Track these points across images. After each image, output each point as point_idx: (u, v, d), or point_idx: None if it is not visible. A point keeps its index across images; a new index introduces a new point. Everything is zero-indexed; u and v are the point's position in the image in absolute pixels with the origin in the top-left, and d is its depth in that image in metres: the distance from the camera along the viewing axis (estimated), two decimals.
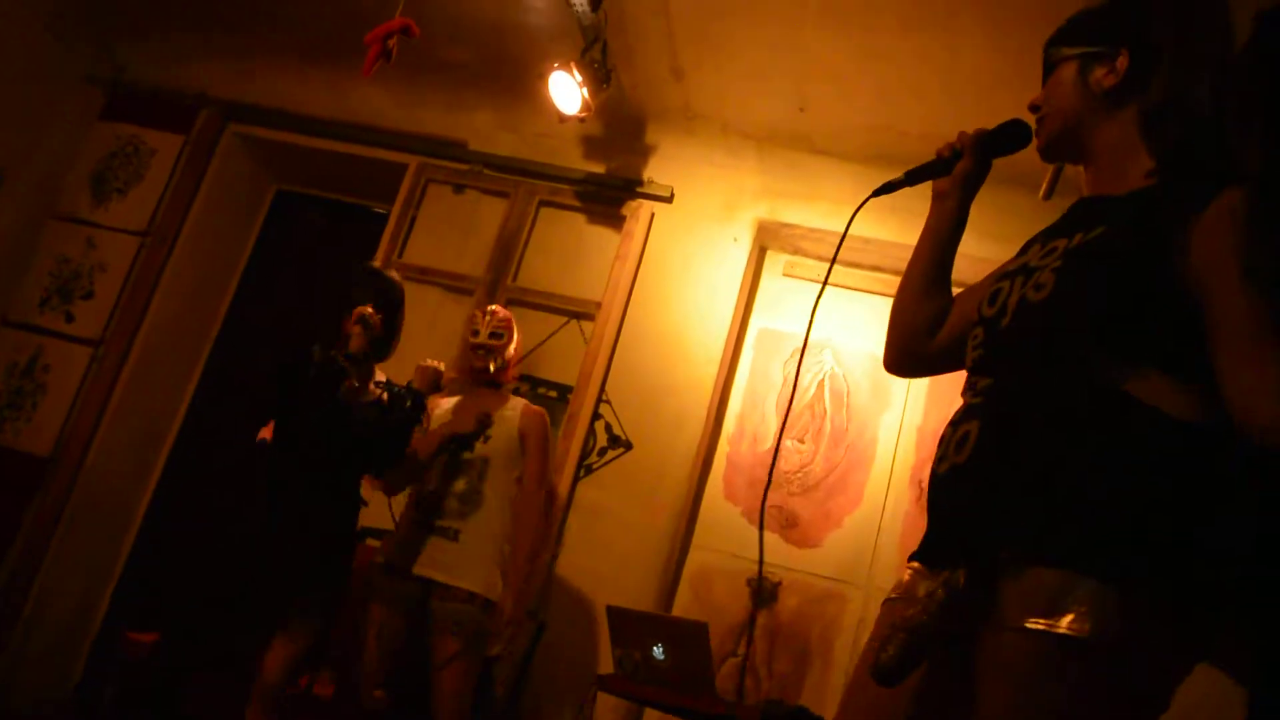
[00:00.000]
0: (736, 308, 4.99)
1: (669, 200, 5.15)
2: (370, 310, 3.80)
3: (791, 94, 4.75)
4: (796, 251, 5.21)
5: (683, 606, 4.74)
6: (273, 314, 5.88)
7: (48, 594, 5.19)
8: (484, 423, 3.97)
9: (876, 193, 2.01)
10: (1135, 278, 1.58)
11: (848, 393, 4.93)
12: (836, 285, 5.10)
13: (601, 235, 5.23)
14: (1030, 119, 2.00)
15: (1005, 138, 1.98)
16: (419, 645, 3.84)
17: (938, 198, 1.99)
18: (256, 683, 3.58)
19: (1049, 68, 1.93)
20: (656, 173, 5.21)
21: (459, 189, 5.46)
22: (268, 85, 5.76)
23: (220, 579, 3.85)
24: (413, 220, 5.45)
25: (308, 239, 6.14)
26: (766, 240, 5.20)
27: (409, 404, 3.83)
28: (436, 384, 3.99)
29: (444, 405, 4.16)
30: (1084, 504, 1.51)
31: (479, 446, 3.97)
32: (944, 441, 1.76)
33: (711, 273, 5.02)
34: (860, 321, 5.03)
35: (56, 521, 5.22)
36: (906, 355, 2.04)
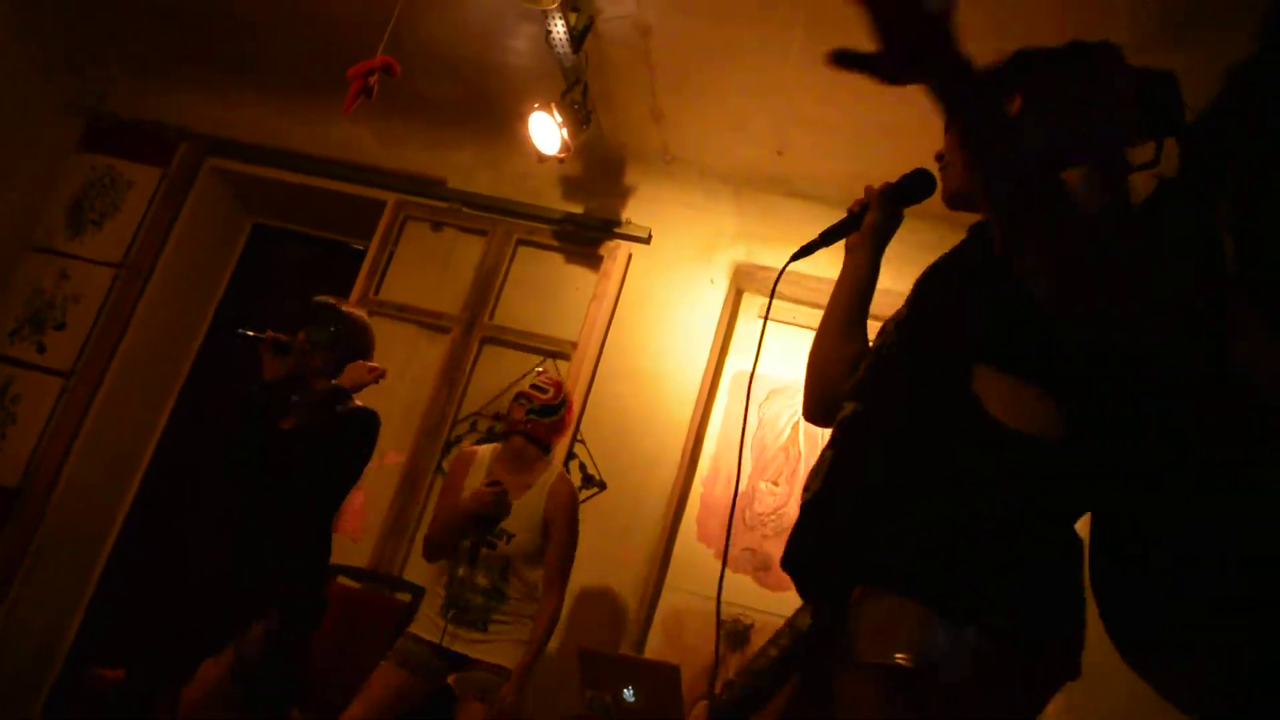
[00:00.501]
0: (713, 349, 5.01)
1: (647, 241, 5.17)
2: (273, 335, 3.81)
3: (769, 138, 4.79)
4: (775, 295, 5.21)
5: (655, 648, 4.72)
6: (247, 349, 5.85)
7: (12, 627, 5.12)
8: (501, 508, 3.91)
9: (794, 257, 2.06)
10: (966, 278, 1.66)
11: (822, 435, 4.93)
12: (813, 328, 5.11)
13: (579, 275, 5.24)
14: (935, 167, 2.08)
15: (910, 188, 2.06)
16: (423, 706, 3.83)
17: (850, 251, 2.04)
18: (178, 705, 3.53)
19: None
20: (635, 214, 5.23)
21: (437, 226, 5.46)
22: (247, 119, 5.76)
23: (180, 614, 3.81)
24: (390, 257, 5.45)
25: (284, 274, 6.13)
26: (743, 282, 5.22)
27: (328, 413, 3.77)
28: (361, 384, 3.90)
29: (480, 457, 4.16)
30: (918, 529, 1.49)
31: (500, 546, 3.90)
32: (812, 470, 1.75)
33: (688, 314, 5.04)
34: None
35: (23, 554, 5.16)
36: (824, 405, 2.01)
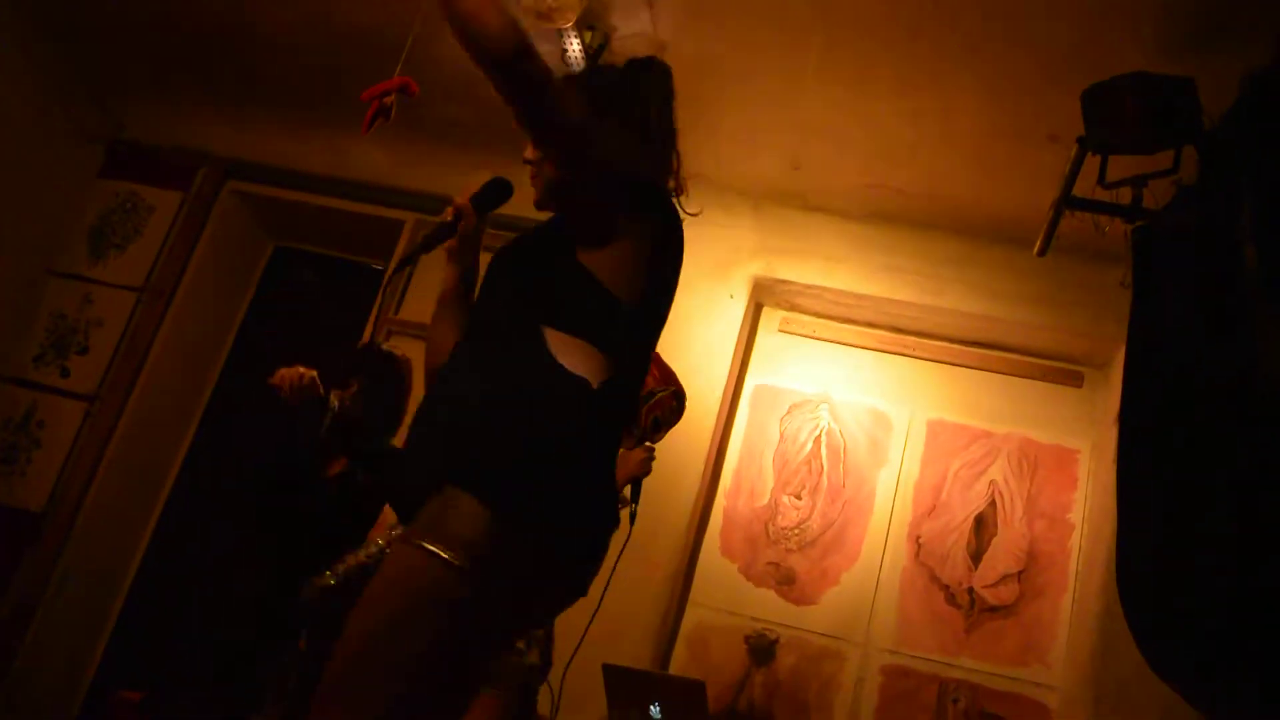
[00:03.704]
0: (733, 363, 5.00)
1: (499, 205, 5.14)
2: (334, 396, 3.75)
3: (786, 152, 4.78)
4: (793, 308, 5.22)
5: (679, 665, 4.70)
6: (269, 371, 5.86)
7: (38, 650, 5.14)
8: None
9: (398, 269, 2.37)
10: (533, 245, 2.14)
11: (844, 449, 4.92)
12: (833, 341, 5.13)
13: None
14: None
15: (491, 196, 2.39)
16: None
17: (450, 255, 2.34)
18: None
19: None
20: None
21: None
22: (266, 143, 5.79)
23: (202, 638, 3.80)
24: (409, 277, 5.46)
25: (305, 295, 6.15)
26: (762, 296, 5.21)
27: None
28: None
29: None
30: (485, 441, 1.82)
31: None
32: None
33: (708, 329, 5.03)
34: (856, 377, 5.04)
35: (49, 577, 5.18)
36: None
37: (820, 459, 4.94)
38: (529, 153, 2.32)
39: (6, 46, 5.44)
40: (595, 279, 1.99)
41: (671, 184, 2.38)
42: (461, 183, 5.63)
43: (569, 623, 4.66)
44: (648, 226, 2.14)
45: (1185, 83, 2.91)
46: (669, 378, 3.96)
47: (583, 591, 2.01)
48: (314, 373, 3.72)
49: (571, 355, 1.91)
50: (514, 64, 2.05)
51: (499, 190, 2.36)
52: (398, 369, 4.01)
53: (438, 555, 1.72)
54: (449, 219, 2.29)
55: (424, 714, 1.80)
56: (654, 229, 2.17)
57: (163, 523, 5.71)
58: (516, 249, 2.20)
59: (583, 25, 4.21)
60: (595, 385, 1.90)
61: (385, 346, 4.03)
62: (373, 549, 1.96)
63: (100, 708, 5.17)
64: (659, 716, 3.46)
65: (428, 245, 2.29)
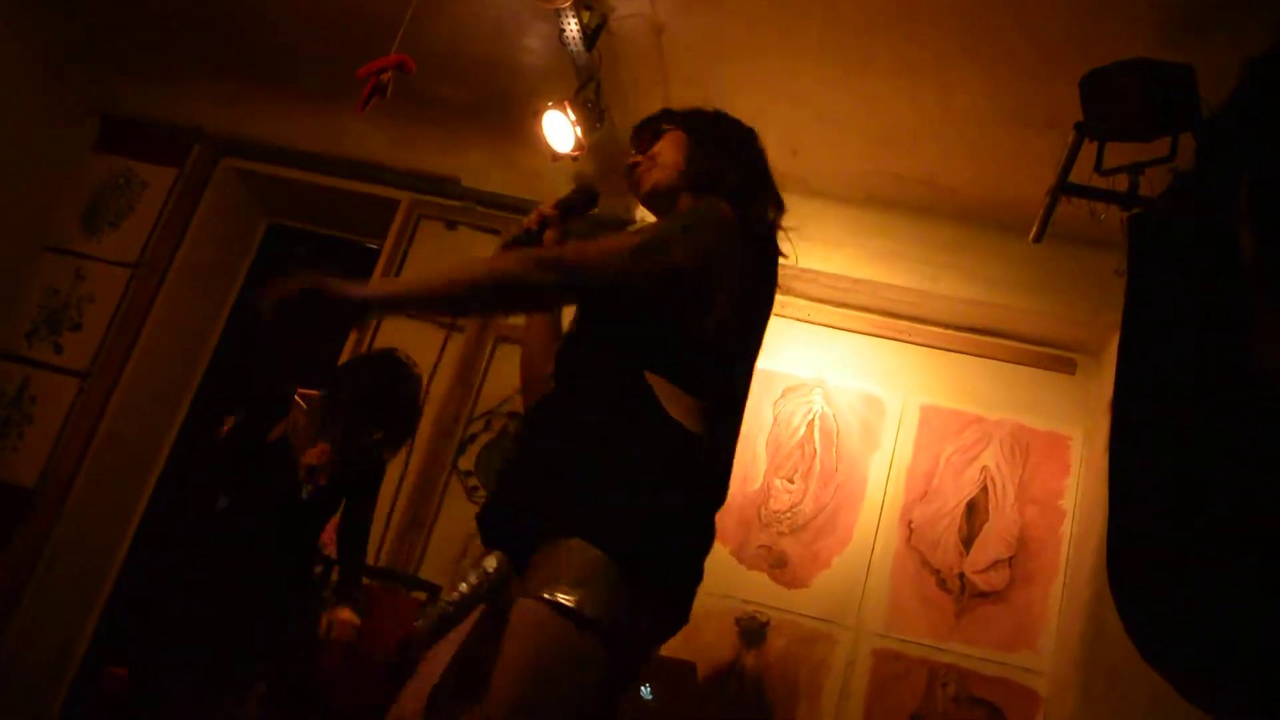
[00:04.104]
0: None
1: (586, 211, 5.15)
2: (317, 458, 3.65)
3: (784, 137, 4.77)
4: (788, 292, 5.15)
5: (670, 646, 4.69)
6: (262, 349, 5.87)
7: (29, 627, 5.14)
8: None
9: None
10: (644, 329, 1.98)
11: (837, 433, 4.93)
12: (828, 325, 5.12)
13: None
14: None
15: (578, 204, 2.35)
16: None
17: None
18: None
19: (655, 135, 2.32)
20: (649, 213, 5.21)
21: (451, 225, 5.47)
22: (262, 120, 5.77)
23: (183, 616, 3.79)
24: (404, 256, 5.46)
25: (299, 274, 6.12)
26: None
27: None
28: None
29: None
30: (596, 487, 1.81)
31: None
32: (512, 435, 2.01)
33: None
34: (851, 361, 5.04)
35: (40, 553, 5.17)
36: (535, 397, 2.22)
37: (813, 443, 4.95)
38: (635, 156, 2.30)
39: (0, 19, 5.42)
40: (699, 328, 1.98)
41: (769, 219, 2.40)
42: (458, 161, 5.67)
43: None
44: (755, 284, 2.19)
45: (1183, 70, 2.91)
46: None
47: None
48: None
49: (679, 405, 1.90)
50: (632, 273, 1.94)
51: (585, 197, 2.34)
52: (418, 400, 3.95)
53: (580, 614, 1.74)
54: (534, 226, 2.28)
55: None
56: (760, 286, 2.23)
57: (155, 498, 5.71)
58: None
59: (580, 5, 4.19)
60: (703, 437, 1.91)
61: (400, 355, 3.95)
62: (473, 580, 1.96)
63: (90, 684, 5.17)
64: (650, 697, 3.47)
65: (507, 248, 2.25)
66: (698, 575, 1.89)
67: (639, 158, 2.29)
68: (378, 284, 1.74)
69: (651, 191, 2.28)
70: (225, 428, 3.79)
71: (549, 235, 2.26)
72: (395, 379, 3.85)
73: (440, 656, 1.95)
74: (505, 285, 1.88)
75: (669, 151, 2.27)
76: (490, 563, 1.93)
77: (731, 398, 2.06)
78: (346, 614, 3.75)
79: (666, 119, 2.31)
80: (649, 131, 2.32)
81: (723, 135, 2.30)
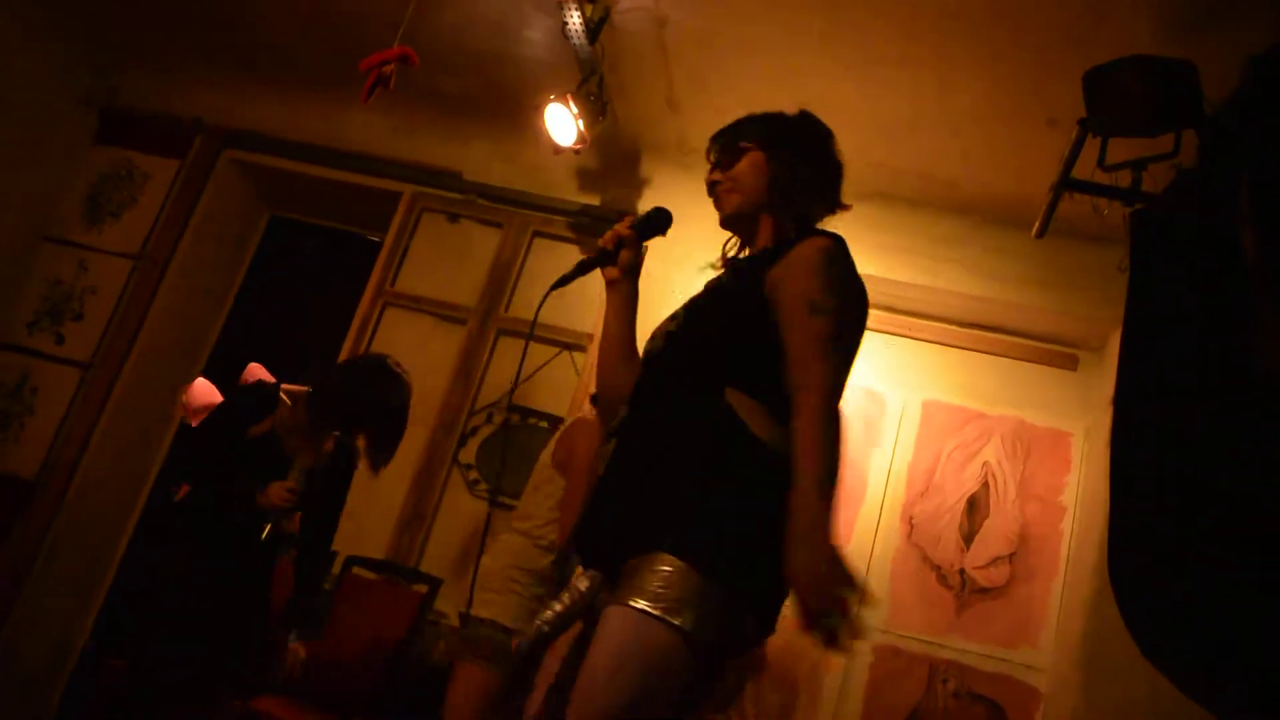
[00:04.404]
0: None
1: (663, 233, 5.15)
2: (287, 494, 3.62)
3: None
4: None
5: None
6: (264, 340, 5.87)
7: (30, 617, 5.15)
8: None
9: (553, 288, 2.28)
10: (728, 315, 2.05)
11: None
12: None
13: None
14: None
15: (654, 225, 2.35)
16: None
17: (613, 285, 2.29)
18: None
19: (734, 154, 2.31)
20: (651, 205, 5.19)
21: (453, 218, 5.47)
22: (264, 111, 5.77)
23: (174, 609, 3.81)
24: (406, 249, 5.46)
25: (301, 266, 6.14)
26: None
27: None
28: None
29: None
30: (681, 506, 1.87)
31: None
32: (596, 456, 2.08)
33: None
34: None
35: (41, 544, 5.18)
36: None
37: None
38: (716, 174, 2.31)
39: (1, 12, 5.41)
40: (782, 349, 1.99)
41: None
42: (460, 153, 5.66)
43: None
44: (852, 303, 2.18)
45: (1187, 66, 2.90)
46: None
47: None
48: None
49: (760, 422, 1.94)
50: (841, 371, 2.02)
51: (660, 219, 2.35)
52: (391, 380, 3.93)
53: (673, 626, 1.78)
54: (610, 246, 2.27)
55: None
56: (856, 305, 2.22)
57: (156, 490, 5.71)
58: (705, 305, 2.17)
59: None
60: (783, 453, 1.91)
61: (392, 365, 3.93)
62: (567, 599, 2.00)
63: (90, 676, 5.18)
64: None
65: (585, 268, 2.27)
66: (783, 588, 1.91)
67: (719, 176, 2.31)
68: (809, 526, 1.80)
69: (733, 216, 2.31)
70: (180, 494, 3.80)
71: (624, 256, 2.27)
72: (387, 387, 3.83)
73: (547, 672, 2.02)
74: (838, 448, 1.88)
75: (749, 175, 2.29)
76: (583, 582, 1.98)
77: None
78: (297, 649, 3.78)
79: (746, 135, 2.31)
80: (728, 148, 2.32)
81: (803, 152, 2.31)
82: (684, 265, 5.10)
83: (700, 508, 1.87)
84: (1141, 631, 2.35)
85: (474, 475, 5.02)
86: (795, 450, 1.83)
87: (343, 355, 5.24)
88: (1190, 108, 2.89)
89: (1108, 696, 3.83)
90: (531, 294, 5.23)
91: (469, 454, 5.06)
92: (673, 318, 2.19)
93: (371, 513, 5.01)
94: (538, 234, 5.33)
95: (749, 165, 2.28)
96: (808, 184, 2.28)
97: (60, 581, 5.26)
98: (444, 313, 5.30)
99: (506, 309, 5.22)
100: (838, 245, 2.12)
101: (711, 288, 2.24)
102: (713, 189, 2.34)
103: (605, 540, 1.98)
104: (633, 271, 2.29)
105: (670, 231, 5.35)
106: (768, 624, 1.96)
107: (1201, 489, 2.07)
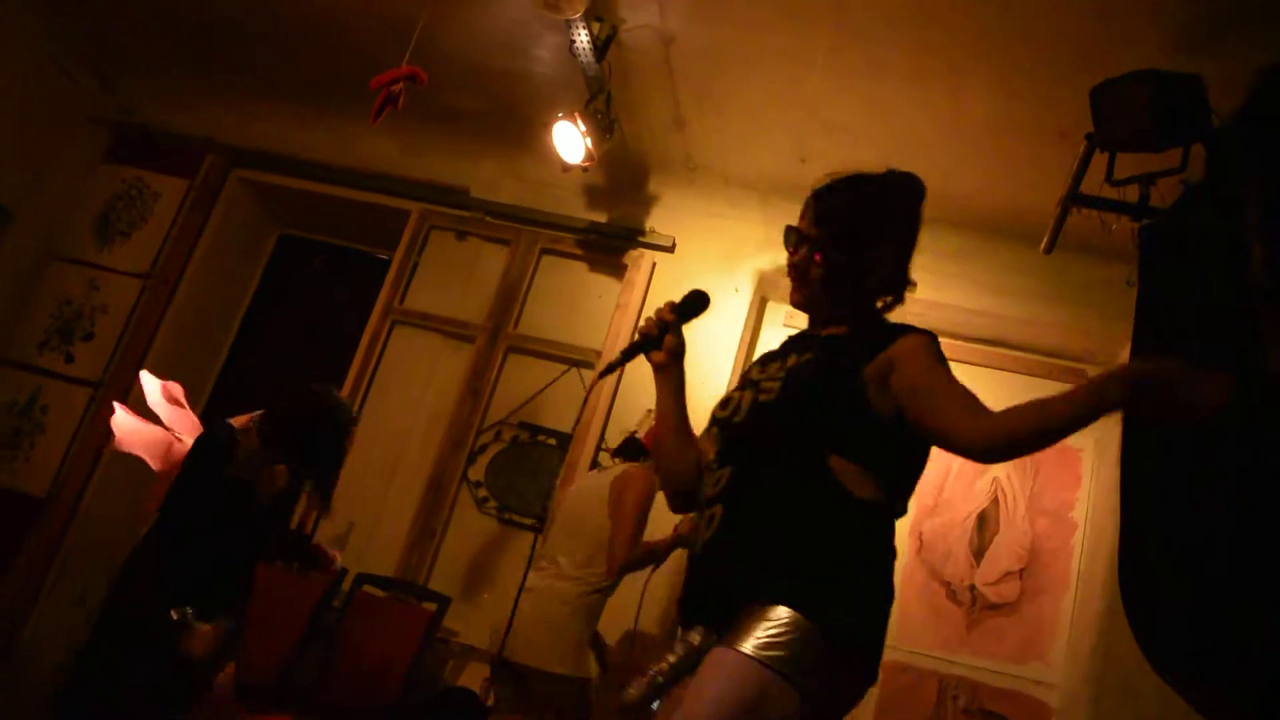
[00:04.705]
0: (737, 358, 4.99)
1: (670, 250, 5.17)
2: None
3: (793, 146, 4.77)
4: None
5: None
6: (273, 358, 5.89)
7: (40, 634, 5.14)
8: None
9: (602, 375, 2.42)
10: (833, 390, 2.10)
11: None
12: None
13: (603, 284, 5.24)
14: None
15: (693, 310, 2.35)
16: None
17: (661, 370, 2.32)
18: None
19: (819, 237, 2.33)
20: (658, 222, 5.22)
21: (461, 236, 5.48)
22: (273, 131, 5.79)
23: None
24: (415, 267, 5.47)
25: (310, 284, 6.15)
26: (768, 291, 5.21)
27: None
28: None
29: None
30: (794, 561, 1.95)
31: None
32: (697, 523, 2.15)
33: (713, 322, 5.02)
34: None
35: (51, 562, 5.19)
36: (683, 497, 2.32)
37: None
38: (797, 256, 2.33)
39: (13, 30, 5.44)
40: (886, 415, 2.08)
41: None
42: (469, 171, 5.67)
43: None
44: None
45: (1194, 81, 2.90)
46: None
47: None
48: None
49: (862, 483, 2.02)
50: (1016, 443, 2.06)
51: (699, 301, 2.36)
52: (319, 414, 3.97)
53: (781, 673, 1.82)
54: (653, 331, 2.30)
55: None
56: None
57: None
58: (802, 380, 2.19)
59: (591, 16, 4.21)
60: (885, 509, 2.06)
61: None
62: (680, 651, 2.07)
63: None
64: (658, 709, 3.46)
65: (630, 354, 2.31)
66: (883, 640, 2.00)
67: (799, 258, 2.34)
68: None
69: (809, 299, 2.36)
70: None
71: (668, 340, 2.29)
72: (316, 414, 3.88)
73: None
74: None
75: (831, 259, 2.32)
76: (694, 637, 2.03)
77: (910, 474, 2.19)
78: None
79: (824, 217, 2.35)
80: (808, 230, 2.35)
81: (882, 226, 2.39)
82: (690, 285, 5.10)
83: (811, 564, 1.96)
84: (1153, 647, 2.34)
85: (483, 493, 5.02)
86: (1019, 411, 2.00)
87: (351, 373, 5.26)
88: (1198, 122, 2.89)
89: (1119, 712, 3.81)
90: (539, 311, 5.24)
91: (478, 471, 5.06)
92: (761, 388, 2.21)
93: (381, 530, 5.01)
94: (546, 251, 5.34)
95: (833, 250, 2.31)
96: (891, 266, 2.35)
97: (71, 597, 5.26)
98: (452, 330, 5.31)
99: (515, 326, 5.23)
100: (936, 340, 2.23)
101: (807, 364, 2.23)
102: (791, 270, 2.37)
103: (716, 595, 2.03)
104: (678, 355, 2.32)
105: (677, 248, 5.38)
106: (871, 675, 2.00)
107: (1212, 504, 2.07)
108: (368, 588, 4.71)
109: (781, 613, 1.86)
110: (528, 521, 4.90)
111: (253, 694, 4.35)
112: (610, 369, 2.34)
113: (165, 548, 3.74)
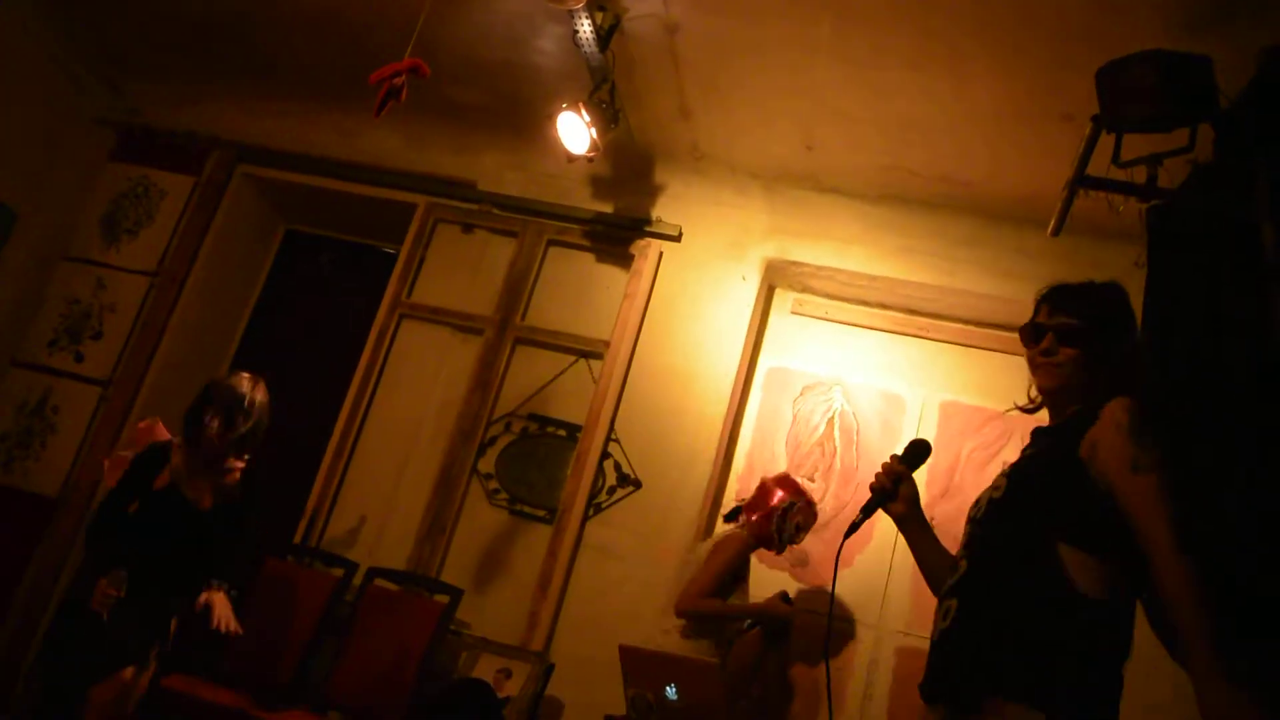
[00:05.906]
0: (745, 346, 4.99)
1: (677, 239, 5.16)
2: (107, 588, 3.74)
3: (799, 133, 4.76)
4: (805, 289, 5.21)
5: (693, 647, 4.69)
6: (282, 353, 5.89)
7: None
8: (789, 609, 4.33)
9: (848, 534, 2.48)
10: (1054, 479, 2.17)
11: (857, 430, 4.91)
12: (846, 323, 5.12)
13: (610, 274, 5.24)
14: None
15: (919, 458, 2.53)
16: None
17: (903, 521, 2.49)
18: None
19: (1051, 331, 2.44)
20: (665, 212, 5.22)
21: (468, 229, 5.48)
22: (277, 127, 5.80)
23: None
24: (421, 260, 5.47)
25: (317, 279, 6.16)
26: (775, 278, 5.20)
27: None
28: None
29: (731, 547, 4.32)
30: (1027, 658, 2.06)
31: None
32: (936, 613, 2.27)
33: (720, 311, 5.02)
34: (869, 359, 5.03)
35: (64, 562, 5.20)
36: None
37: (833, 441, 4.93)
38: (1040, 354, 2.44)
39: (18, 32, 5.45)
40: (1104, 492, 2.11)
41: None
42: (474, 164, 5.68)
43: (582, 604, 4.68)
44: None
45: (1201, 60, 2.88)
46: (798, 489, 4.39)
47: None
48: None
49: (1089, 572, 2.09)
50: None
51: (923, 449, 2.55)
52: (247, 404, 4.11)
53: None
54: (887, 485, 2.46)
55: None
56: None
57: None
58: (1027, 473, 2.30)
59: (594, 6, 4.20)
60: (1108, 601, 2.10)
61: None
62: None
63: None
64: (674, 697, 3.47)
65: (870, 510, 2.47)
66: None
67: (1041, 359, 2.44)
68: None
69: (1053, 391, 2.44)
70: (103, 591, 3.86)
71: (903, 490, 2.46)
72: (226, 394, 4.09)
73: None
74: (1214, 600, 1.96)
75: (1071, 363, 2.40)
76: (935, 716, 2.20)
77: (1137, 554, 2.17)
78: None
79: (1064, 329, 2.43)
80: (1049, 330, 2.44)
81: (1119, 338, 2.45)
82: (698, 274, 5.11)
83: (1045, 662, 2.05)
84: (1165, 632, 2.34)
85: (493, 485, 5.03)
86: (1176, 613, 1.95)
87: (360, 367, 5.27)
88: (1205, 101, 2.87)
89: (1132, 698, 3.80)
90: (547, 302, 5.24)
91: (488, 463, 5.06)
92: (995, 485, 2.32)
93: (392, 523, 5.02)
94: (553, 242, 5.34)
95: (1068, 354, 2.40)
96: (1119, 366, 2.39)
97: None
98: (460, 323, 5.31)
99: (523, 318, 5.23)
100: (1136, 406, 2.22)
101: (1029, 457, 2.36)
102: (1033, 367, 2.49)
103: (955, 681, 2.15)
104: (914, 502, 2.48)
105: (684, 237, 5.37)
106: None
107: (1221, 486, 2.06)
108: (380, 581, 4.72)
109: (1020, 710, 1.99)
110: (539, 513, 4.91)
111: (267, 692, 4.37)
112: (854, 527, 2.45)
113: (87, 537, 4.01)
